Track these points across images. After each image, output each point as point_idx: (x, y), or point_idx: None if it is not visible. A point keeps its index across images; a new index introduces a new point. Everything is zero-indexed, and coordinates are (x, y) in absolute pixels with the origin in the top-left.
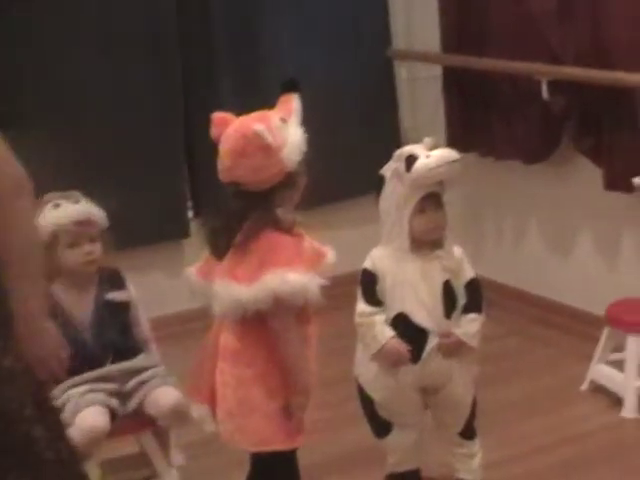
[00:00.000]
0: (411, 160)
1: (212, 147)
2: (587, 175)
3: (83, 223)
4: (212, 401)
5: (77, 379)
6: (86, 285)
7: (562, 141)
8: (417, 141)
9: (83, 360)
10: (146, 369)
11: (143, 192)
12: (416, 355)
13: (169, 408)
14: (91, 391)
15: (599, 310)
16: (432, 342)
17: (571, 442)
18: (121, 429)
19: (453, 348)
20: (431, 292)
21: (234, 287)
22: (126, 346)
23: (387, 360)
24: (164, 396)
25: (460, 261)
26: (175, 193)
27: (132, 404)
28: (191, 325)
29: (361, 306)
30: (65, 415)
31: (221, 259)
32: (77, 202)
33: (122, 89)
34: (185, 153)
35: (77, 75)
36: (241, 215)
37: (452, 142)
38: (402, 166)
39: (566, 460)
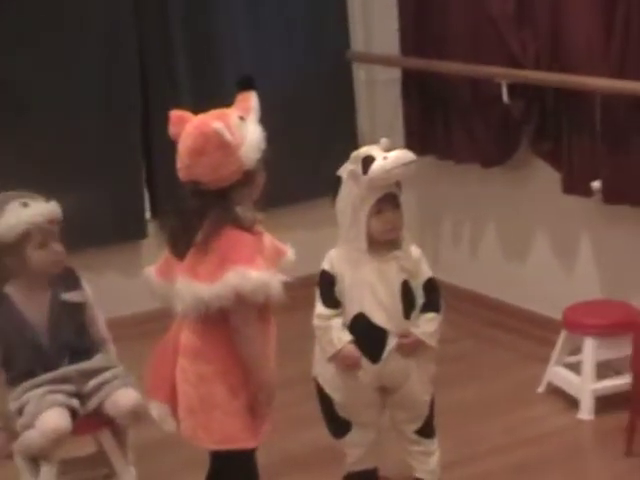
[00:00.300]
0: (368, 162)
1: (170, 146)
2: (545, 179)
3: (53, 222)
4: (172, 399)
5: (35, 381)
6: (41, 286)
7: (521, 145)
8: (374, 143)
9: (38, 361)
10: (105, 369)
11: (100, 192)
12: (375, 355)
13: (128, 409)
14: (50, 392)
15: (556, 313)
16: (391, 342)
17: (528, 443)
18: (80, 428)
19: (412, 348)
20: (389, 292)
21: (196, 285)
22: (82, 347)
23: (342, 364)
24: (123, 397)
25: (418, 261)
26: (133, 193)
27: (92, 404)
28: (148, 326)
29: (319, 308)
30: (25, 418)
31: (181, 258)
32: (47, 201)
33: (79, 87)
34: (143, 152)
35: (32, 71)
36: (200, 214)
37: (411, 145)
38: (359, 168)
39: (522, 461)
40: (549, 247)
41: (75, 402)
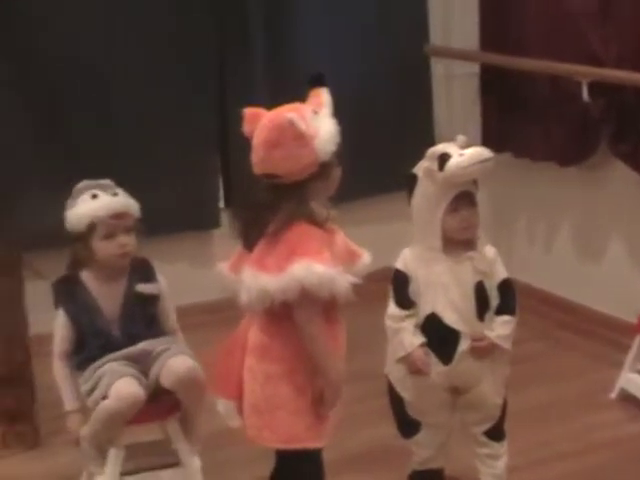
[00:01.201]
0: (444, 159)
1: (245, 137)
2: (623, 180)
3: (120, 216)
4: (238, 397)
5: (104, 359)
6: (116, 276)
7: (600, 145)
8: (451, 139)
9: (107, 350)
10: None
11: (175, 180)
12: (447, 357)
13: (183, 373)
14: (122, 366)
15: (631, 317)
16: (463, 344)
17: (597, 450)
18: (147, 415)
19: (486, 351)
20: (462, 293)
21: (262, 277)
22: (152, 338)
23: (411, 368)
24: (178, 363)
25: (493, 262)
26: (207, 182)
27: (152, 376)
28: (219, 315)
29: (392, 308)
30: (99, 390)
31: (252, 251)
32: (115, 194)
33: (155, 75)
34: (218, 142)
35: (108, 60)
36: (273, 207)
37: (487, 141)
38: (434, 165)
39: (591, 468)
40: (625, 249)
41: (143, 379)
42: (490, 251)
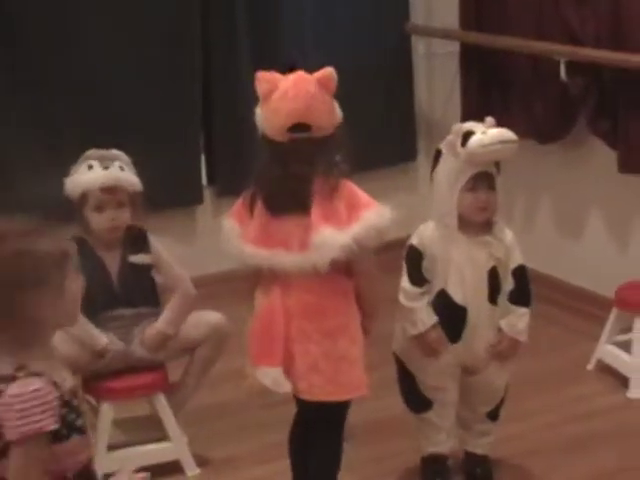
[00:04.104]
0: (467, 135)
1: (229, 114)
2: (602, 157)
3: (110, 190)
4: (285, 362)
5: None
6: (112, 247)
7: (578, 122)
8: (431, 116)
9: (109, 309)
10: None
11: (158, 157)
12: (455, 334)
13: (215, 322)
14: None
15: (608, 292)
16: (471, 322)
17: (576, 420)
18: (134, 390)
19: (510, 351)
20: (475, 275)
21: (337, 233)
22: (150, 306)
23: (424, 347)
24: (209, 314)
25: (510, 248)
26: (190, 159)
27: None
28: (201, 291)
29: (405, 285)
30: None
31: (277, 214)
32: (106, 167)
33: (141, 53)
34: (202, 120)
35: (93, 43)
36: (309, 162)
37: (467, 119)
38: (458, 140)
39: (571, 438)
40: (603, 225)
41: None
42: (508, 236)
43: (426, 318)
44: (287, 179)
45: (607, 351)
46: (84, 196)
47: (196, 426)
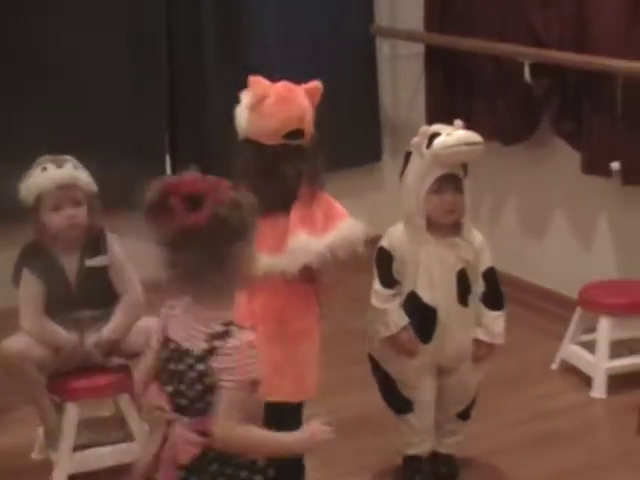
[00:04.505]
0: (432, 136)
1: (195, 118)
2: (565, 158)
3: (65, 187)
4: None
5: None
6: (70, 250)
7: (542, 124)
8: (396, 117)
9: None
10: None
11: (124, 159)
12: (426, 334)
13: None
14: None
15: (572, 292)
16: (441, 322)
17: (540, 419)
18: (98, 390)
19: (489, 354)
20: (443, 276)
21: (312, 239)
22: (107, 308)
23: (396, 349)
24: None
25: (479, 250)
26: (155, 161)
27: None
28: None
29: (377, 287)
30: None
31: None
32: (60, 166)
33: (106, 56)
34: (167, 121)
35: (59, 44)
36: (297, 167)
37: (432, 120)
38: (424, 142)
39: (536, 436)
40: (567, 226)
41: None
42: (477, 238)
43: (398, 319)
44: (271, 181)
45: (571, 351)
46: (40, 198)
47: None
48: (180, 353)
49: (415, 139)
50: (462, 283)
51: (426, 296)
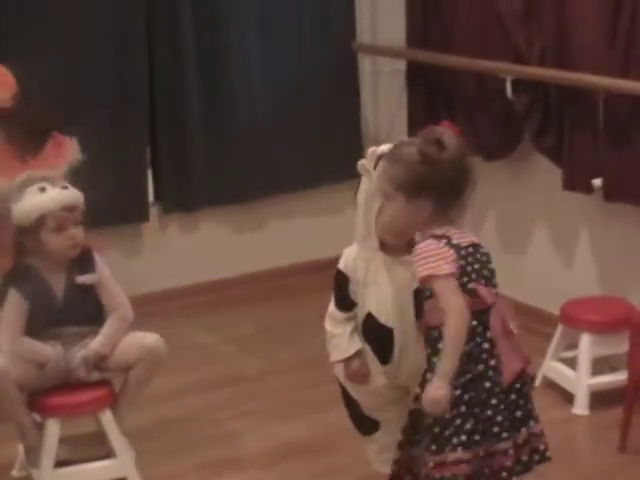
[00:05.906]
0: (379, 158)
1: (175, 131)
2: (546, 175)
3: (70, 209)
4: None
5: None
6: (58, 268)
7: (523, 140)
8: (377, 133)
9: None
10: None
11: (104, 174)
12: (385, 356)
13: (151, 343)
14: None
15: (553, 308)
16: (399, 342)
17: None
18: (80, 407)
19: None
20: (400, 296)
21: None
22: (96, 324)
23: (348, 376)
24: (143, 335)
25: None
26: (136, 176)
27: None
28: (145, 309)
29: (331, 309)
30: None
31: None
32: (65, 187)
33: (87, 71)
34: (149, 138)
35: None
36: None
37: (413, 136)
38: (371, 163)
39: None
40: (548, 242)
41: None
42: None
43: (346, 346)
44: None
45: (553, 367)
46: (42, 218)
47: (143, 442)
48: None
49: (362, 160)
50: (419, 302)
51: (382, 317)
